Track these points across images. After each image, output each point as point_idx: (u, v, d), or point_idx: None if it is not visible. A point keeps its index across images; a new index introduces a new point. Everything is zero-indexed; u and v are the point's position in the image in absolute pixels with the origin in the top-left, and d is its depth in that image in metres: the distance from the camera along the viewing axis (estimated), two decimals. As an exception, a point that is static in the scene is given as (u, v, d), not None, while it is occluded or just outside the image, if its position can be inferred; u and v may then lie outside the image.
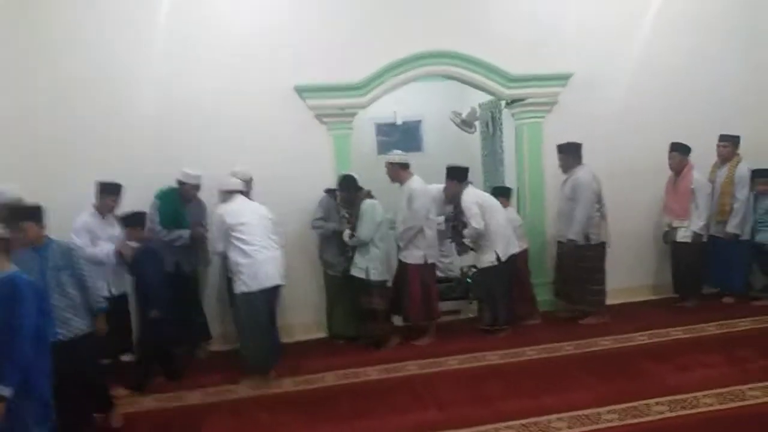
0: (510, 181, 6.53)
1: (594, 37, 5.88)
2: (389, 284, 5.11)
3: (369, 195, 5.06)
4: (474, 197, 5.10)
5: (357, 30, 5.44)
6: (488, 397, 3.97)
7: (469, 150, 7.60)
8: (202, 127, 5.20)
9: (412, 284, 5.00)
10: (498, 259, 5.05)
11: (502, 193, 5.59)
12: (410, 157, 5.27)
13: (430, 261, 5.06)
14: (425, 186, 5.06)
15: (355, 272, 4.95)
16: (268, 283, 4.35)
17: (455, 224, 5.40)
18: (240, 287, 4.34)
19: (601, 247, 5.34)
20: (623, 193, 5.81)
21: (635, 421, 3.49)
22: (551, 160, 5.67)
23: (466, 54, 5.60)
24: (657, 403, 3.67)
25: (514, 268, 5.25)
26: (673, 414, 3.54)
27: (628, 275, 5.99)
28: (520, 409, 3.73)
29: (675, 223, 5.67)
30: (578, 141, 5.40)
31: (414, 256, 5.00)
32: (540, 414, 3.64)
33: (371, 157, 7.50)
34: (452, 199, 5.29)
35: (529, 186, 5.93)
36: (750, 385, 3.82)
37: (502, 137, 6.89)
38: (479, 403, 3.90)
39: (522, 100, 5.83)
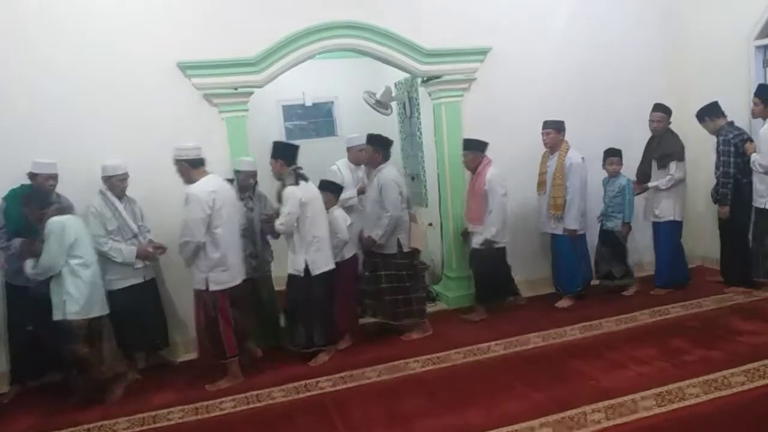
0: (429, 165, 6.09)
1: (513, 9, 5.44)
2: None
3: (61, 210, 3.93)
4: (301, 193, 4.18)
5: (250, -3, 4.73)
6: (407, 415, 3.47)
7: (387, 133, 7.00)
8: (67, 115, 4.37)
9: (196, 313, 4.10)
10: (306, 271, 4.25)
11: (328, 188, 4.51)
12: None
13: (213, 287, 3.96)
14: (209, 189, 3.90)
15: (55, 314, 3.84)
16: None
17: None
18: None
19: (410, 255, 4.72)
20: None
21: (571, 435, 3.10)
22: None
23: (375, 25, 5.00)
24: (593, 411, 3.29)
25: (333, 282, 4.43)
26: (611, 423, 3.17)
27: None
28: (444, 429, 3.27)
29: (470, 227, 5.09)
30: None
31: (195, 279, 4.01)
32: (467, 433, 3.19)
33: (279, 143, 6.80)
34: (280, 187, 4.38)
35: (449, 171, 5.44)
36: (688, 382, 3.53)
37: (420, 118, 6.40)
38: (397, 424, 3.39)
39: (438, 77, 5.32)
